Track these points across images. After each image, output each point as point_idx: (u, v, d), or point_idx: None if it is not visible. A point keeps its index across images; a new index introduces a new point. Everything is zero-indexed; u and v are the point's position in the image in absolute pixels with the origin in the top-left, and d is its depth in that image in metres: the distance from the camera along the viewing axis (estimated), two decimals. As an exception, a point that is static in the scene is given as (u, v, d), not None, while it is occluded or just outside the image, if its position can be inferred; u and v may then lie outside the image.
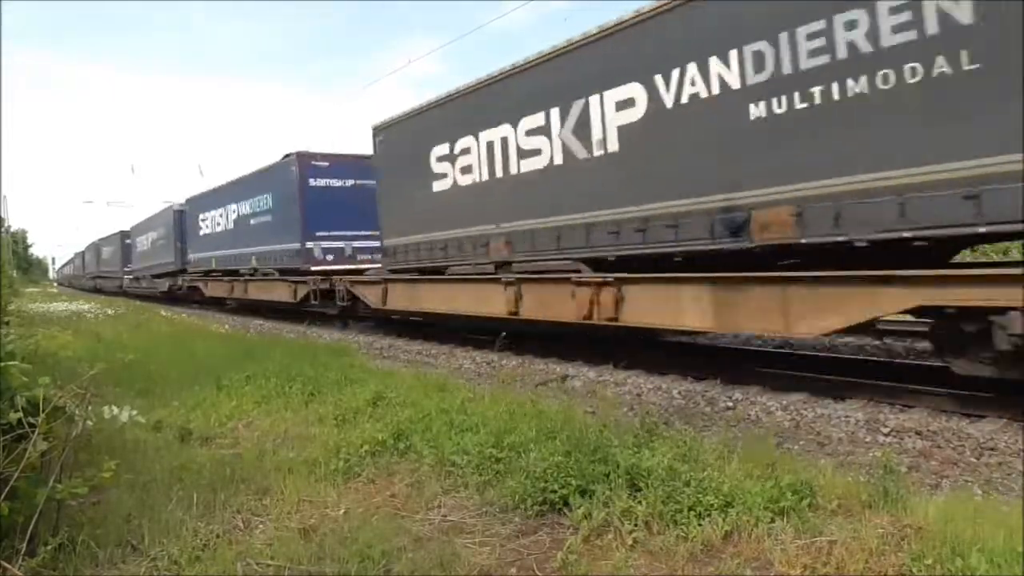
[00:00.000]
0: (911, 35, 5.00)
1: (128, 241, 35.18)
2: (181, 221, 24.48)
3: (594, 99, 7.73)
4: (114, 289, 39.23)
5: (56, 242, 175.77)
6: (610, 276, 7.60)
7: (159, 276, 27.81)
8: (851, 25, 5.32)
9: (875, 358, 7.95)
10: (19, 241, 67.79)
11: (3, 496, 2.78)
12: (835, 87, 5.46)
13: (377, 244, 13.10)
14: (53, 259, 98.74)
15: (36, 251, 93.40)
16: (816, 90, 5.58)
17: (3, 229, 35.34)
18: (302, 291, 15.54)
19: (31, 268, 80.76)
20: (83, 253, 55.02)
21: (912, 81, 5.02)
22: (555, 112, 8.30)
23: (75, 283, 60.18)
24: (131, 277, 34.33)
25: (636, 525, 3.22)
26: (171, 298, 27.30)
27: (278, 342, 12.00)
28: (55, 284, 74.91)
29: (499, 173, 9.32)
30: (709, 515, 3.22)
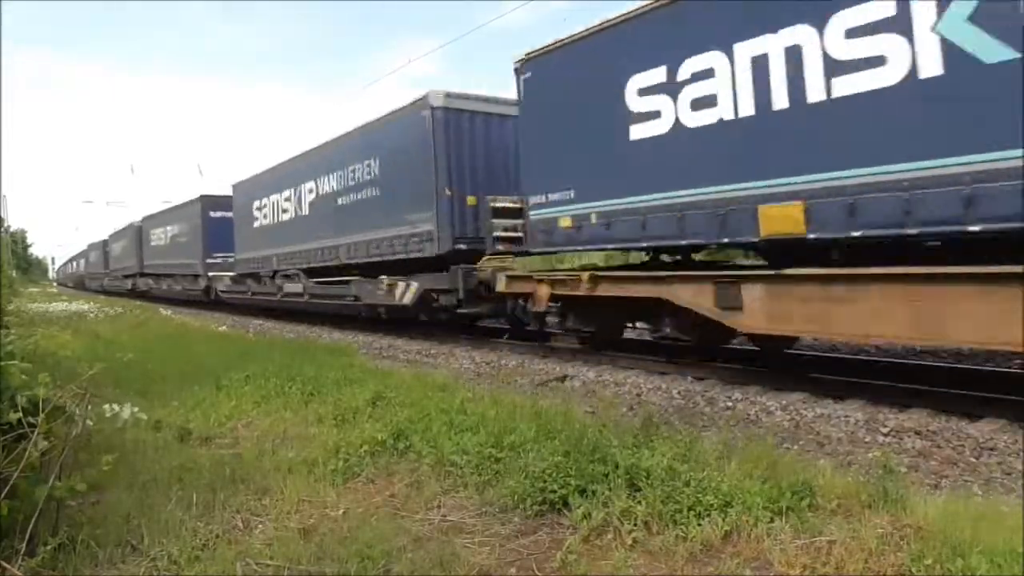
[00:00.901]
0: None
1: (217, 214, 21.61)
2: (454, 131, 10.68)
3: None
4: (186, 295, 24.94)
5: (56, 242, 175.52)
6: None
7: (349, 271, 13.28)
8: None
9: (875, 358, 7.96)
10: (19, 241, 67.70)
11: (3, 495, 2.78)
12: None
13: None
14: (53, 259, 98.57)
15: (36, 251, 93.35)
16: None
17: (3, 229, 34.62)
18: None
19: (31, 268, 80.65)
20: (104, 243, 41.27)
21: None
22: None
23: (91, 284, 46.91)
24: (233, 275, 19.77)
25: (635, 525, 3.22)
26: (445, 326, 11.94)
27: (277, 342, 12.01)
28: (54, 284, 74.45)
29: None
30: (708, 515, 3.22)
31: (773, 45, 5.95)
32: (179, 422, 5.53)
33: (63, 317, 17.13)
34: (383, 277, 12.07)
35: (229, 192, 20.42)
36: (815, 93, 5.69)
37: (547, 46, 8.47)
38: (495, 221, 9.79)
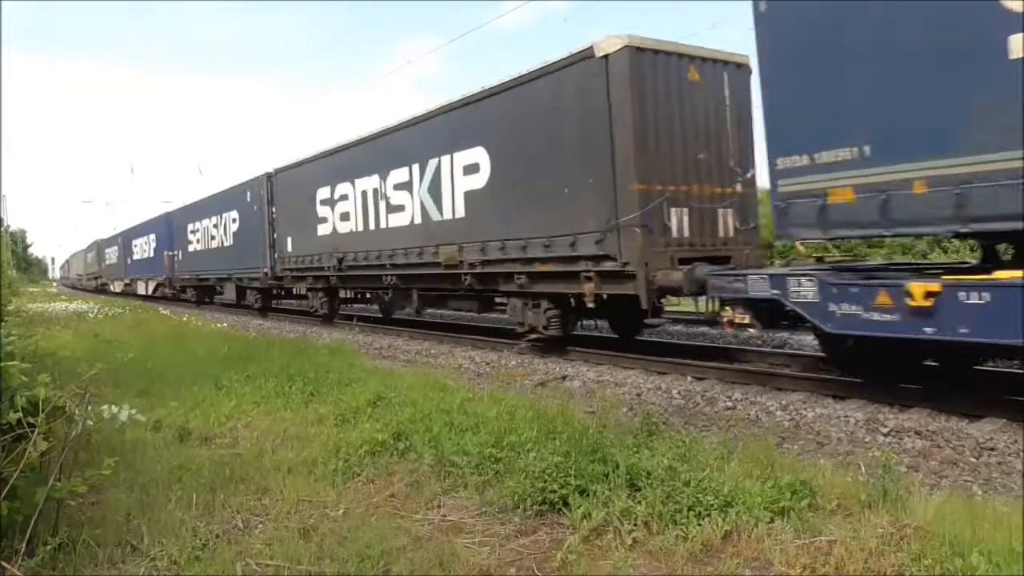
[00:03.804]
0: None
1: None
2: None
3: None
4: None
5: (56, 242, 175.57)
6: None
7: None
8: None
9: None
10: (19, 241, 67.66)
11: (3, 496, 2.78)
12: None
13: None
14: (52, 259, 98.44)
15: (35, 251, 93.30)
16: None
17: (3, 229, 34.65)
18: None
19: (30, 268, 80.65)
20: (159, 222, 28.47)
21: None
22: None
23: (129, 281, 34.29)
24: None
25: (635, 525, 3.22)
26: None
27: (277, 342, 12.00)
28: (54, 284, 74.18)
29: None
30: (709, 515, 3.22)
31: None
32: (179, 422, 5.52)
33: (63, 317, 17.13)
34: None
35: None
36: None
37: None
38: None
